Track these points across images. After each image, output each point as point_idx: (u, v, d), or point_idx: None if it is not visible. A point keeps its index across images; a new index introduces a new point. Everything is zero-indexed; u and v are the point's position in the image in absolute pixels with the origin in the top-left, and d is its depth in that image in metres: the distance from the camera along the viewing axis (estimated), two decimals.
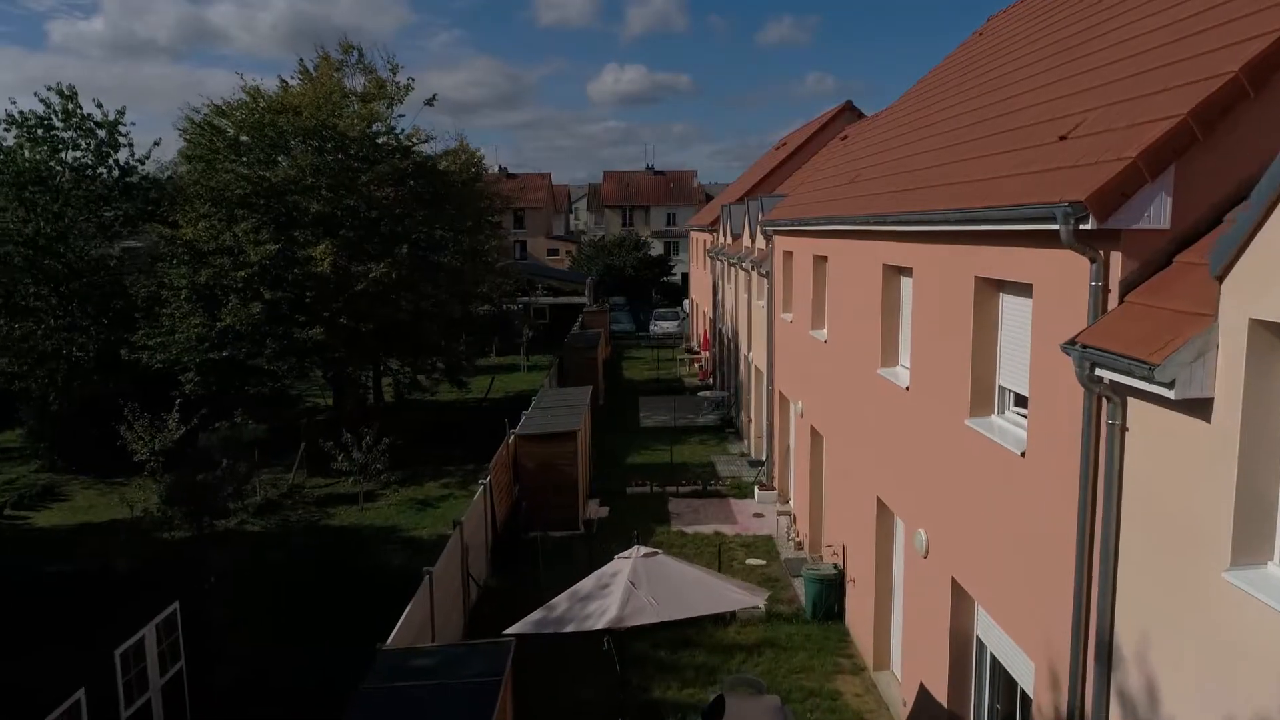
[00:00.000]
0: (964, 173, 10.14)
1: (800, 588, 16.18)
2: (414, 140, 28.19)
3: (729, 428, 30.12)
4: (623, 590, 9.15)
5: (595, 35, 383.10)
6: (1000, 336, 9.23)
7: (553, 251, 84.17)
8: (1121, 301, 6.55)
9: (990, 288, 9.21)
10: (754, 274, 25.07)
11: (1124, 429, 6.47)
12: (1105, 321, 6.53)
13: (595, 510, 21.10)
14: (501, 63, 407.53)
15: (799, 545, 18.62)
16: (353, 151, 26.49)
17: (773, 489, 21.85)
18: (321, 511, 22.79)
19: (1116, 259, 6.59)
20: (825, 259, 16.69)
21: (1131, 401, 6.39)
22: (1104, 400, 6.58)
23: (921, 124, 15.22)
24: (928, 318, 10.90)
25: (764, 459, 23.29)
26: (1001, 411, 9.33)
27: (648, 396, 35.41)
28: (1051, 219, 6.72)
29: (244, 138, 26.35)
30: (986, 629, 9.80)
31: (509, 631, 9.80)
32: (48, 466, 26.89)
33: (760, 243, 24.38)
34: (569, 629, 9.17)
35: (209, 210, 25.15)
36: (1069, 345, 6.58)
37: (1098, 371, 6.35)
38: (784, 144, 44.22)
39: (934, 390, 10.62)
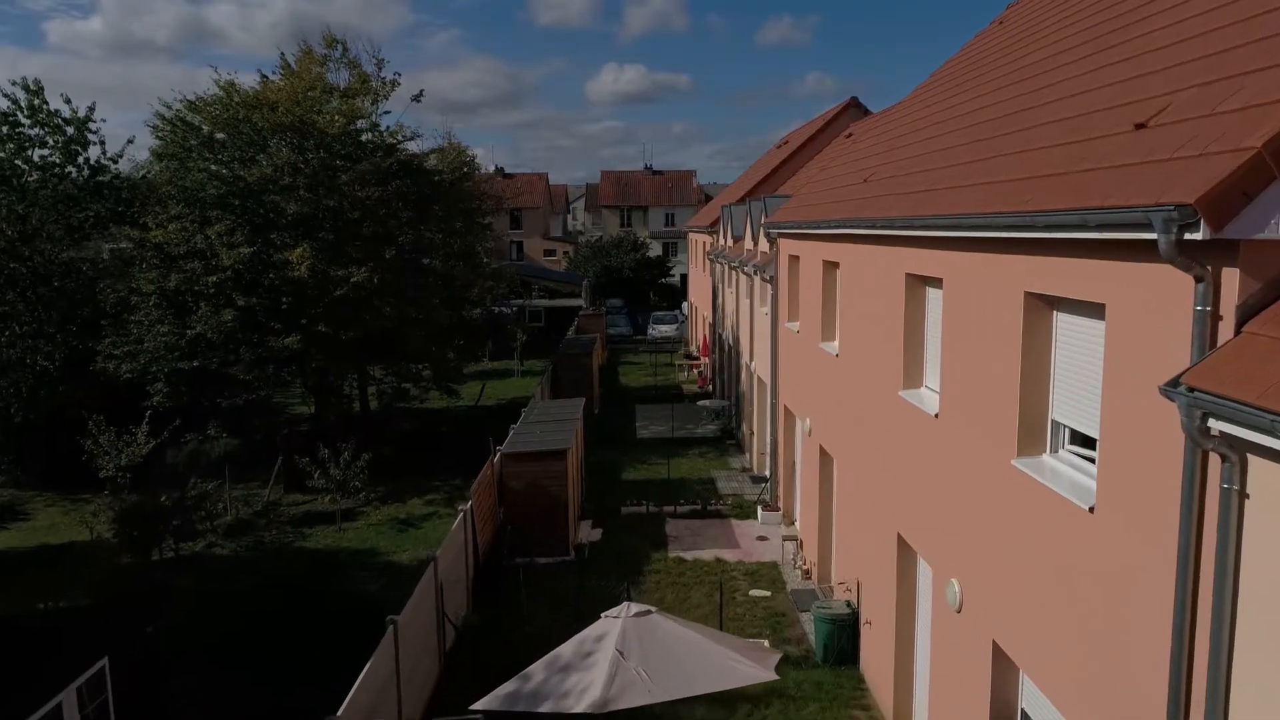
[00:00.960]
0: (1004, 169, 8.73)
1: (809, 624, 14.80)
2: (398, 137, 26.77)
3: (730, 439, 28.69)
4: (609, 662, 7.74)
5: (594, 35, 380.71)
6: (1054, 362, 7.83)
7: (549, 252, 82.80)
8: (1238, 332, 5.14)
9: (1043, 305, 7.80)
10: (756, 279, 23.63)
11: (1243, 495, 5.06)
12: (1218, 357, 5.12)
13: (587, 533, 19.69)
14: (501, 62, 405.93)
15: (806, 574, 17.21)
16: (335, 149, 25.08)
17: (777, 509, 20.43)
18: (297, 532, 21.38)
19: (1231, 277, 5.17)
20: (836, 265, 15.29)
21: (1253, 460, 4.97)
22: (1215, 458, 5.17)
23: (942, 119, 13.79)
24: (961, 336, 9.49)
25: (767, 476, 21.88)
26: (1055, 450, 7.93)
27: (645, 405, 33.94)
28: (1146, 226, 5.30)
29: (219, 135, 24.96)
30: (1034, 703, 8.39)
31: (477, 707, 8.40)
32: (10, 482, 25.46)
33: (763, 245, 22.94)
34: (544, 708, 7.76)
35: (181, 211, 23.77)
36: (1171, 388, 5.17)
37: (1211, 423, 4.94)
38: (785, 142, 42.79)
39: (970, 420, 9.21)
